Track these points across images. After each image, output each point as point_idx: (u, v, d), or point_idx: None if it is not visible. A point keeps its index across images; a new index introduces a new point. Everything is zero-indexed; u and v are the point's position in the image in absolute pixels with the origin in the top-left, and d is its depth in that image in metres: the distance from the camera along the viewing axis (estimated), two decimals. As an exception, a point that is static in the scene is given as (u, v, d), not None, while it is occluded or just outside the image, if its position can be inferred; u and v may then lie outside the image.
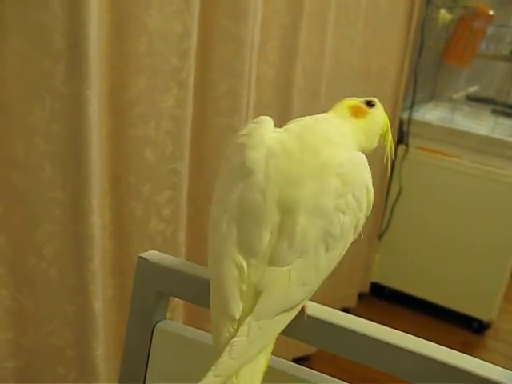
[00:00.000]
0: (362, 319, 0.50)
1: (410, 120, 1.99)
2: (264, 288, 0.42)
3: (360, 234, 0.48)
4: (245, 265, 0.43)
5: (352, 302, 2.09)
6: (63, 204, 0.81)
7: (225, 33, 0.99)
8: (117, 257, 0.98)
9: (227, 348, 0.41)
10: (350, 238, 0.47)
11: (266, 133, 0.47)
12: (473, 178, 1.91)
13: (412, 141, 2.00)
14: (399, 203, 2.06)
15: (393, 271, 2.16)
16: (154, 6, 0.84)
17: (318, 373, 0.52)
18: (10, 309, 0.83)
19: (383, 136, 0.53)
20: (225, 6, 0.97)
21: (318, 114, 0.52)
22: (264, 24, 1.11)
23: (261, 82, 1.18)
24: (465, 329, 2.06)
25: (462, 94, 2.25)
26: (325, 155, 0.46)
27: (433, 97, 2.25)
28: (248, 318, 0.42)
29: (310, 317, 0.49)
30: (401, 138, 2.02)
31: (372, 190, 0.48)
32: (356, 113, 0.52)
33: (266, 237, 0.43)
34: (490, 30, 2.02)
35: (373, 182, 0.48)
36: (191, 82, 0.95)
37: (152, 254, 0.57)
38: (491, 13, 1.87)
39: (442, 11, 1.95)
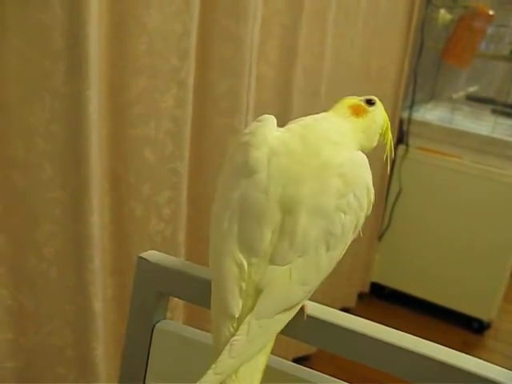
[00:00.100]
0: (362, 319, 0.50)
1: (409, 120, 1.99)
2: (264, 287, 0.42)
3: (359, 234, 0.48)
4: (245, 263, 0.43)
5: (352, 302, 2.09)
6: (63, 204, 0.81)
7: (225, 33, 0.99)
8: (117, 257, 0.98)
9: (227, 347, 0.41)
10: (350, 238, 0.47)
11: (269, 132, 0.47)
12: (473, 178, 1.91)
13: (412, 141, 2.00)
14: (399, 203, 2.06)
15: (393, 271, 2.16)
16: (153, 6, 0.84)
17: (318, 373, 0.52)
18: (10, 309, 0.83)
19: (383, 135, 0.53)
20: (225, 5, 0.97)
21: (318, 113, 0.52)
22: (264, 24, 1.11)
23: (261, 82, 1.18)
24: (465, 329, 2.06)
25: (461, 93, 2.25)
26: (326, 155, 0.46)
27: (433, 97, 2.25)
28: (248, 317, 0.42)
29: (309, 316, 0.49)
30: (401, 137, 2.02)
31: (372, 190, 0.48)
32: (356, 112, 0.52)
33: (268, 235, 0.43)
34: (490, 30, 2.02)
35: (373, 181, 0.48)
36: (191, 81, 0.95)
37: (152, 254, 0.57)
38: (491, 13, 1.87)
39: (442, 11, 1.95)
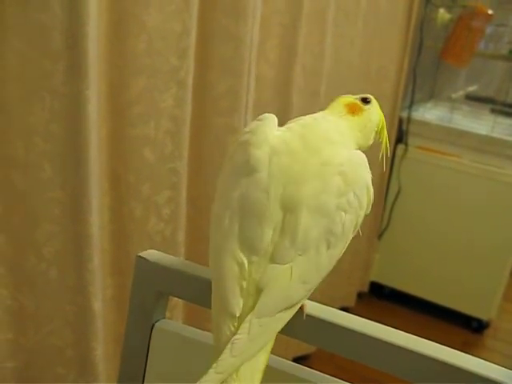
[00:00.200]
0: (361, 318, 0.50)
1: (409, 119, 1.99)
2: (265, 285, 0.42)
3: (359, 232, 0.48)
4: (246, 262, 0.43)
5: (351, 302, 2.09)
6: (63, 204, 0.81)
7: (224, 32, 0.99)
8: (116, 256, 0.98)
9: (228, 346, 0.41)
10: (350, 236, 0.47)
11: (269, 131, 0.47)
12: (472, 178, 1.91)
13: (411, 140, 2.00)
14: (398, 203, 2.06)
15: (392, 270, 2.17)
16: (153, 5, 0.84)
17: (318, 372, 0.52)
18: (10, 309, 0.83)
19: (379, 133, 0.54)
20: (224, 5, 0.97)
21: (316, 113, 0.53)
22: (263, 23, 1.11)
23: (260, 82, 1.18)
24: (464, 328, 2.06)
25: (461, 93, 2.25)
26: (326, 154, 0.46)
27: (432, 96, 2.25)
28: (249, 316, 0.42)
29: (309, 316, 0.49)
30: (400, 137, 2.02)
31: (372, 189, 0.48)
32: (352, 110, 0.52)
33: (268, 234, 0.43)
34: (489, 30, 2.02)
35: (372, 181, 0.48)
36: (190, 81, 0.95)
37: (151, 254, 0.57)
38: (490, 12, 1.87)
39: (441, 11, 1.95)
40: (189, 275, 0.55)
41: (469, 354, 0.46)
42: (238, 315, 0.42)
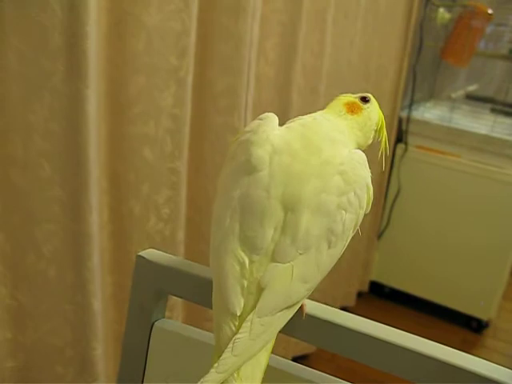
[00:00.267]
0: (361, 318, 0.50)
1: (409, 119, 1.99)
2: (266, 284, 0.42)
3: (358, 232, 0.48)
4: (247, 261, 0.43)
5: (351, 301, 2.09)
6: (62, 202, 0.81)
7: (224, 31, 0.99)
8: (116, 255, 0.98)
9: (230, 345, 0.41)
10: (350, 235, 0.47)
11: (271, 130, 0.47)
12: (472, 177, 1.91)
13: (411, 139, 2.00)
14: (398, 202, 2.06)
15: (392, 270, 2.17)
16: (152, 5, 0.84)
17: (318, 372, 0.52)
18: (9, 307, 0.83)
19: (378, 132, 0.54)
20: (224, 3, 0.97)
21: (316, 112, 0.53)
22: (263, 22, 1.11)
23: (260, 81, 1.17)
24: (464, 327, 2.06)
25: (461, 92, 2.25)
26: (326, 154, 0.46)
27: (432, 96, 2.25)
28: (250, 315, 0.42)
29: (309, 315, 0.49)
30: (400, 136, 2.02)
31: (371, 188, 0.48)
32: (351, 109, 0.52)
33: (269, 233, 0.43)
34: (489, 29, 2.02)
35: (372, 180, 0.48)
36: (190, 80, 0.94)
37: (151, 253, 0.57)
38: (490, 12, 1.87)
39: (441, 10, 1.95)
40: (188, 274, 0.55)
41: (468, 353, 0.46)
42: (238, 314, 0.42)
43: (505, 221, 1.89)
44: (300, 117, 0.51)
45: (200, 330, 0.58)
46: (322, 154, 0.46)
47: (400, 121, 2.02)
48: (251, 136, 0.47)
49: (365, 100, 0.53)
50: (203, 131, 1.06)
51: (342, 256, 0.47)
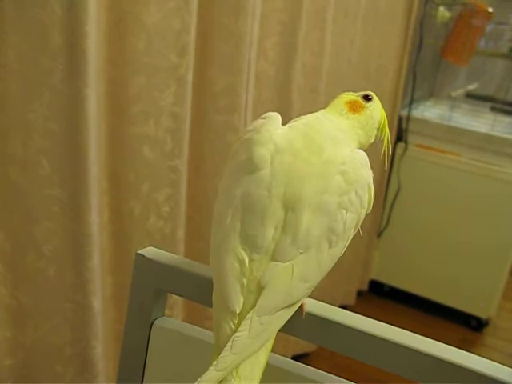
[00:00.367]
0: (361, 316, 0.50)
1: (408, 117, 1.99)
2: (266, 283, 0.42)
3: (359, 232, 0.48)
4: (247, 260, 0.43)
5: (351, 300, 2.09)
6: (62, 201, 0.81)
7: (224, 30, 0.99)
8: (116, 255, 0.98)
9: (229, 343, 0.41)
10: (351, 235, 0.47)
11: (273, 129, 0.47)
12: (472, 176, 1.91)
13: (411, 138, 2.00)
14: (398, 201, 2.06)
15: (392, 269, 2.17)
16: (152, 3, 0.84)
17: (317, 370, 0.52)
18: (9, 307, 0.83)
19: (380, 130, 0.54)
20: (224, 2, 0.97)
21: (317, 111, 0.52)
22: (263, 21, 1.11)
23: (260, 80, 1.17)
24: (463, 326, 2.06)
25: (461, 91, 2.25)
26: (328, 153, 0.46)
27: (432, 94, 2.25)
28: (250, 314, 0.42)
29: (308, 314, 0.49)
30: (400, 135, 2.02)
31: (373, 188, 0.48)
32: (353, 108, 0.52)
33: (270, 232, 0.43)
34: (489, 28, 2.02)
35: (373, 179, 0.48)
36: (190, 79, 0.94)
37: (150, 251, 0.57)
38: (490, 10, 1.87)
39: (441, 9, 1.95)
40: (188, 273, 0.55)
41: (468, 352, 0.47)
42: (238, 313, 0.42)
43: (504, 219, 1.89)
44: (302, 116, 0.51)
45: (200, 329, 0.58)
46: (324, 153, 0.46)
47: (400, 119, 2.02)
48: (254, 135, 0.47)
49: (367, 98, 0.53)
50: (203, 130, 1.06)
51: (342, 255, 0.47)
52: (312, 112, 0.52)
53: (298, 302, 0.45)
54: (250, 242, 0.43)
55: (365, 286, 2.20)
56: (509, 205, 1.87)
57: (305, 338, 0.51)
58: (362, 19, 1.53)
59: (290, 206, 0.44)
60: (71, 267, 0.85)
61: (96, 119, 0.81)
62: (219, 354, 0.41)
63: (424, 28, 1.93)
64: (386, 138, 0.54)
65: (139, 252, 0.57)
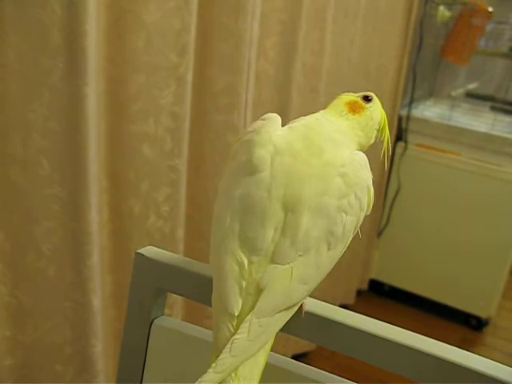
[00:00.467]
0: (361, 315, 0.50)
1: (408, 117, 1.99)
2: (265, 285, 0.42)
3: (358, 234, 0.48)
4: (246, 262, 0.43)
5: (351, 299, 2.10)
6: (61, 200, 0.81)
7: (224, 29, 0.99)
8: (115, 254, 0.98)
9: (228, 345, 0.41)
10: (350, 237, 0.47)
11: (273, 131, 0.47)
12: (472, 175, 1.91)
13: (411, 138, 2.00)
14: (398, 200, 2.06)
15: (392, 268, 2.17)
16: (152, 2, 0.84)
17: (317, 369, 0.52)
18: (8, 305, 0.83)
19: (380, 131, 0.53)
20: (224, 2, 0.97)
21: (317, 111, 0.52)
22: (263, 20, 1.11)
23: (260, 79, 1.17)
24: (463, 326, 2.06)
25: (461, 90, 2.25)
26: (328, 155, 0.46)
27: (432, 94, 2.25)
28: (249, 316, 0.42)
29: (308, 313, 0.49)
30: (399, 135, 2.02)
31: (372, 190, 0.48)
32: (353, 108, 0.52)
33: (269, 234, 0.43)
34: (489, 27, 2.02)
35: (372, 179, 0.48)
36: (190, 78, 0.94)
37: (150, 250, 0.57)
38: (490, 10, 1.87)
39: (441, 8, 1.95)
40: (188, 272, 0.55)
41: (468, 351, 0.46)
42: (236, 315, 0.42)
43: (504, 219, 1.89)
44: (302, 117, 0.51)
45: (200, 328, 0.58)
46: (324, 155, 0.46)
47: (400, 119, 2.02)
48: (253, 136, 0.47)
49: (367, 99, 0.53)
50: (203, 129, 1.06)
51: (341, 254, 0.47)
52: (312, 112, 0.52)
53: (297, 304, 0.45)
54: (250, 244, 0.43)
55: (365, 286, 2.20)
56: (509, 204, 1.87)
57: (305, 337, 0.51)
58: (361, 19, 1.53)
59: (290, 208, 0.44)
60: (71, 266, 0.85)
61: (96, 117, 0.81)
62: (218, 356, 0.41)
63: (424, 27, 1.93)
64: (386, 139, 0.53)
65: (139, 251, 0.57)
